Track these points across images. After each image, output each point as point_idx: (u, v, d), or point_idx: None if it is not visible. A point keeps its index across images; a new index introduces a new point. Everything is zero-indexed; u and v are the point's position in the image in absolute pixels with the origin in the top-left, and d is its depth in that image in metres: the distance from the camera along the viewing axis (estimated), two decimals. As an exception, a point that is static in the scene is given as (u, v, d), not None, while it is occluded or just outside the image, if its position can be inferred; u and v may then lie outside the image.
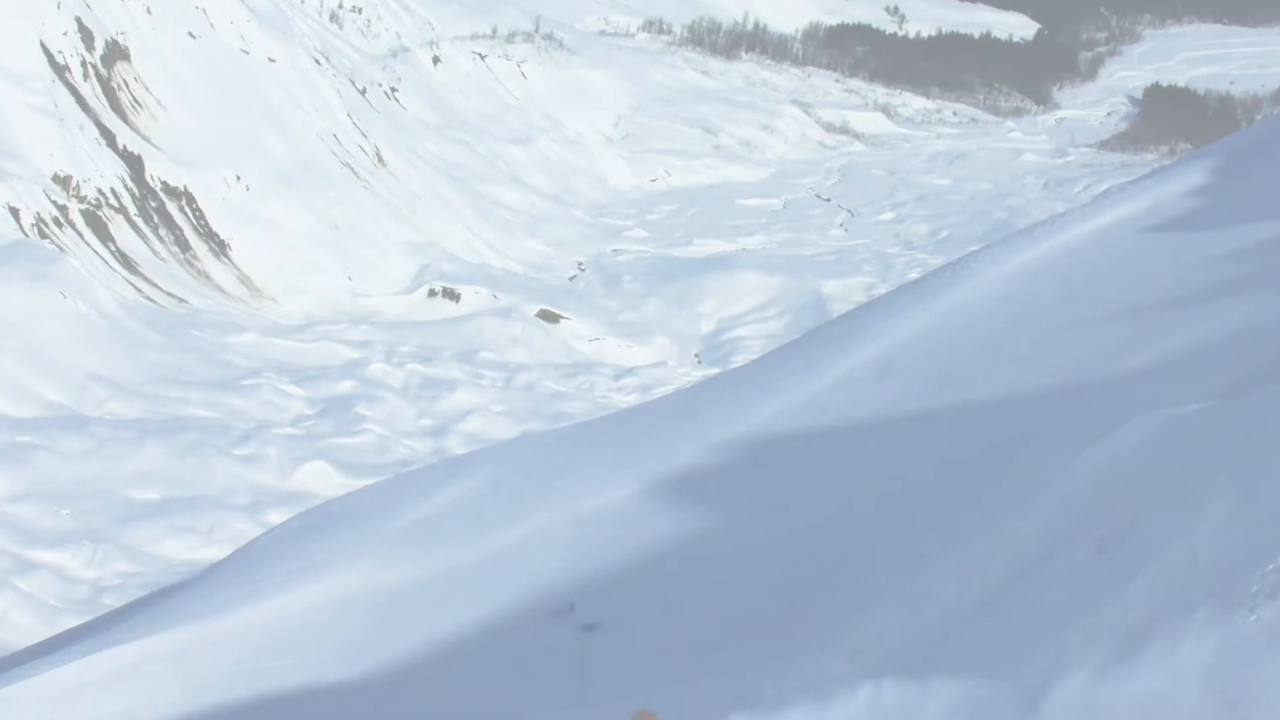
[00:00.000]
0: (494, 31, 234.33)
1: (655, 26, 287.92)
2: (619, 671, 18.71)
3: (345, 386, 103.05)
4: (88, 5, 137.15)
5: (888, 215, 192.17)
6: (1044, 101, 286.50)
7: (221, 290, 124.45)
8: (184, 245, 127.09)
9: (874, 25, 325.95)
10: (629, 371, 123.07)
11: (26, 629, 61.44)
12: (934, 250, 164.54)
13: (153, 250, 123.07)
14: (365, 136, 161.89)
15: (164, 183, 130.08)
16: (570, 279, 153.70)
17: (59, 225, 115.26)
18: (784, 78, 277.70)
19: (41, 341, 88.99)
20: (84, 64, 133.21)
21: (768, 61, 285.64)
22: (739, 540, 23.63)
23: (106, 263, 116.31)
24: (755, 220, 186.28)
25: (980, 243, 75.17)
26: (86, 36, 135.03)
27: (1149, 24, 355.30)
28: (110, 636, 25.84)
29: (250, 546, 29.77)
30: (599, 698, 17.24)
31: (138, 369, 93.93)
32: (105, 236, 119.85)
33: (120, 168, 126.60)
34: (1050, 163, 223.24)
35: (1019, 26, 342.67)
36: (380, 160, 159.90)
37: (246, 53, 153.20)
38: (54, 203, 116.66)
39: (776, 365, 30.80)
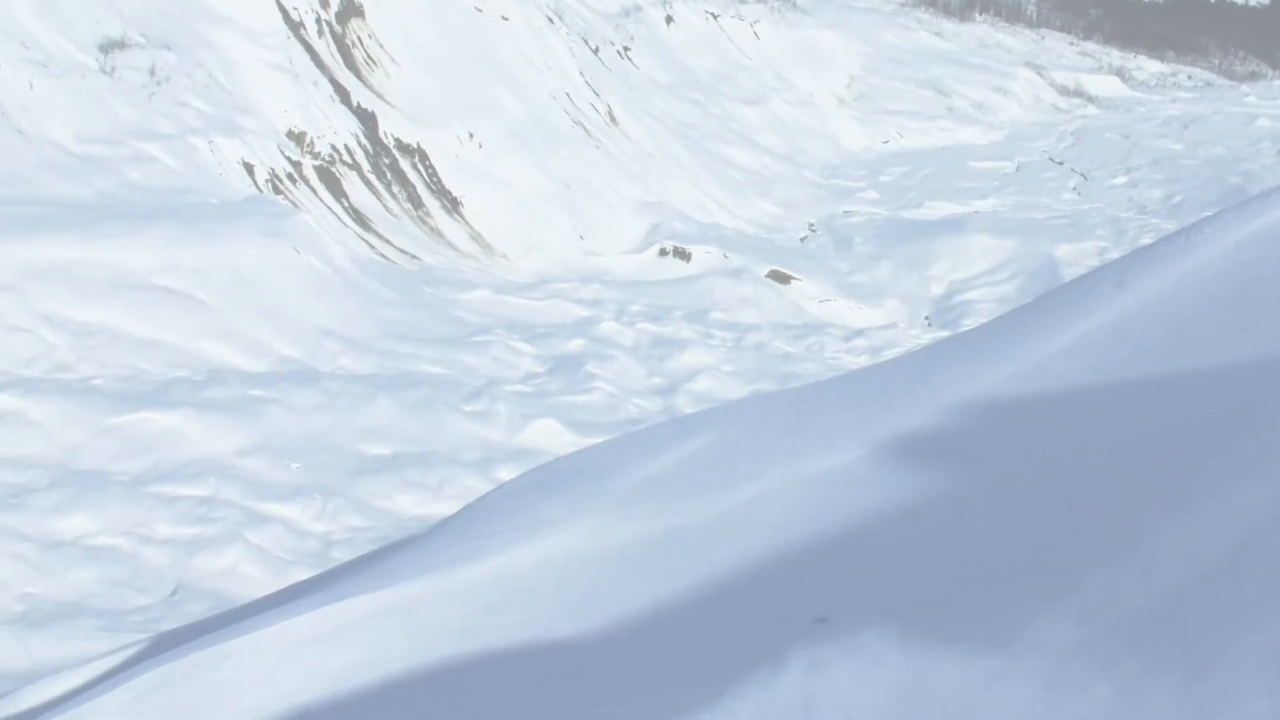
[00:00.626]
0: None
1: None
2: (846, 630, 17.80)
3: (575, 344, 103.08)
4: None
5: (1121, 179, 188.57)
6: None
7: (453, 247, 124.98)
8: (416, 202, 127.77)
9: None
10: (859, 333, 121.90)
11: (257, 581, 62.34)
12: (1167, 215, 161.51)
13: (385, 207, 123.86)
14: (597, 95, 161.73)
15: (397, 140, 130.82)
16: (801, 240, 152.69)
17: (293, 181, 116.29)
18: (1017, 40, 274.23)
19: (275, 296, 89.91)
20: (319, 21, 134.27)
21: (1001, 24, 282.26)
22: (968, 503, 22.71)
23: (340, 219, 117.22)
24: (987, 183, 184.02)
25: (1214, 208, 72.73)
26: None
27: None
28: (339, 590, 25.88)
29: (479, 502, 29.40)
30: (828, 659, 16.41)
31: (370, 324, 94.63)
32: (339, 193, 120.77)
33: (354, 124, 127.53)
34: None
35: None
36: (612, 119, 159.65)
37: (480, 10, 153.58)
38: (288, 158, 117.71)
39: (1008, 329, 29.54)
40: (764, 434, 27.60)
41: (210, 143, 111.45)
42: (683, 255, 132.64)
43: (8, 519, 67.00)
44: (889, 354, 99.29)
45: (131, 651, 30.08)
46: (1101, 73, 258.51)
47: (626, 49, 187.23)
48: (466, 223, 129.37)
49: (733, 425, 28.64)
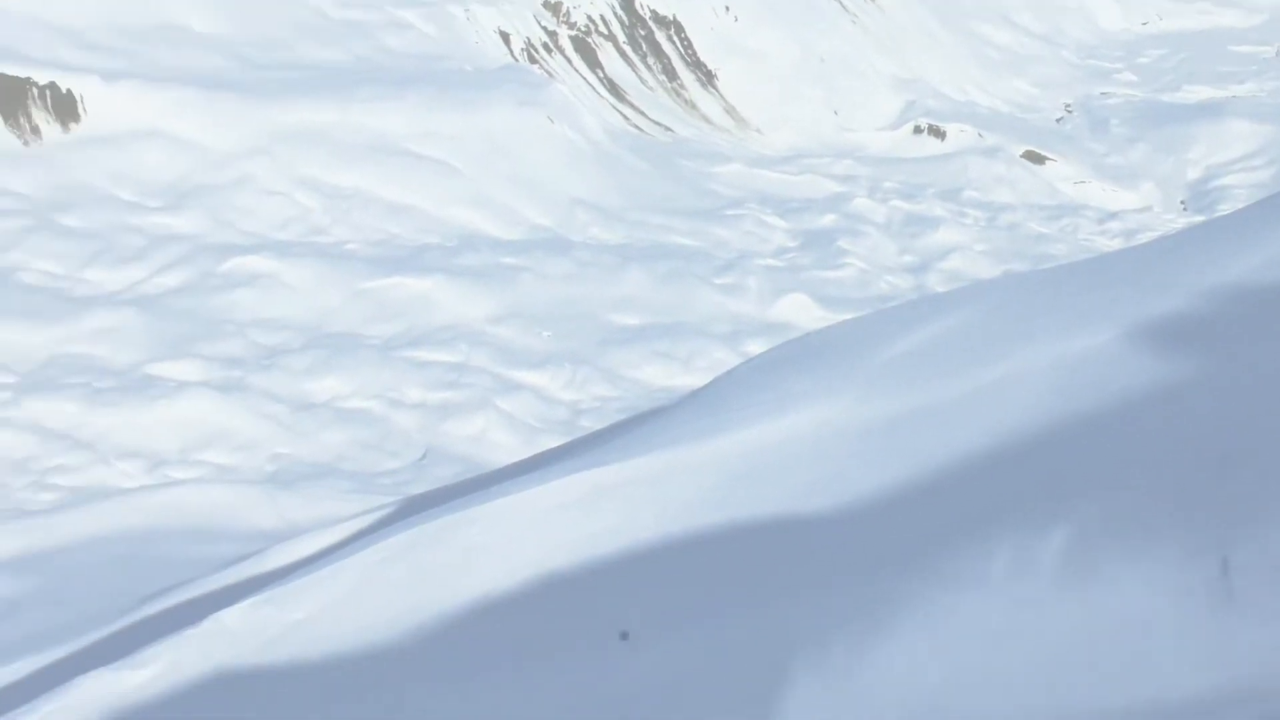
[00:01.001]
0: None
1: None
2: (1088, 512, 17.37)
3: (827, 220, 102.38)
4: None
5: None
6: None
7: (707, 120, 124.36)
8: (671, 74, 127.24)
9: None
10: (1113, 215, 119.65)
11: (506, 448, 62.97)
12: None
13: (640, 79, 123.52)
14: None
15: (653, 11, 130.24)
16: (1057, 120, 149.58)
17: (548, 51, 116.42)
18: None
19: (528, 165, 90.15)
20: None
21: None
22: (1218, 388, 21.91)
23: (594, 89, 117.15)
24: (1246, 67, 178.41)
25: None
26: None
27: None
28: (588, 458, 25.83)
29: (728, 375, 29.16)
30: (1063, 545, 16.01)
31: (622, 195, 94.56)
32: (593, 63, 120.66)
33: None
34: None
35: None
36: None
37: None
38: (544, 28, 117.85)
39: (1264, 215, 28.31)
40: (1015, 314, 26.93)
41: (467, 10, 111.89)
42: (937, 133, 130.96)
43: (261, 380, 68.25)
44: (1143, 238, 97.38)
45: (381, 514, 30.28)
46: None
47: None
48: (720, 95, 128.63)
49: (984, 305, 28.00)
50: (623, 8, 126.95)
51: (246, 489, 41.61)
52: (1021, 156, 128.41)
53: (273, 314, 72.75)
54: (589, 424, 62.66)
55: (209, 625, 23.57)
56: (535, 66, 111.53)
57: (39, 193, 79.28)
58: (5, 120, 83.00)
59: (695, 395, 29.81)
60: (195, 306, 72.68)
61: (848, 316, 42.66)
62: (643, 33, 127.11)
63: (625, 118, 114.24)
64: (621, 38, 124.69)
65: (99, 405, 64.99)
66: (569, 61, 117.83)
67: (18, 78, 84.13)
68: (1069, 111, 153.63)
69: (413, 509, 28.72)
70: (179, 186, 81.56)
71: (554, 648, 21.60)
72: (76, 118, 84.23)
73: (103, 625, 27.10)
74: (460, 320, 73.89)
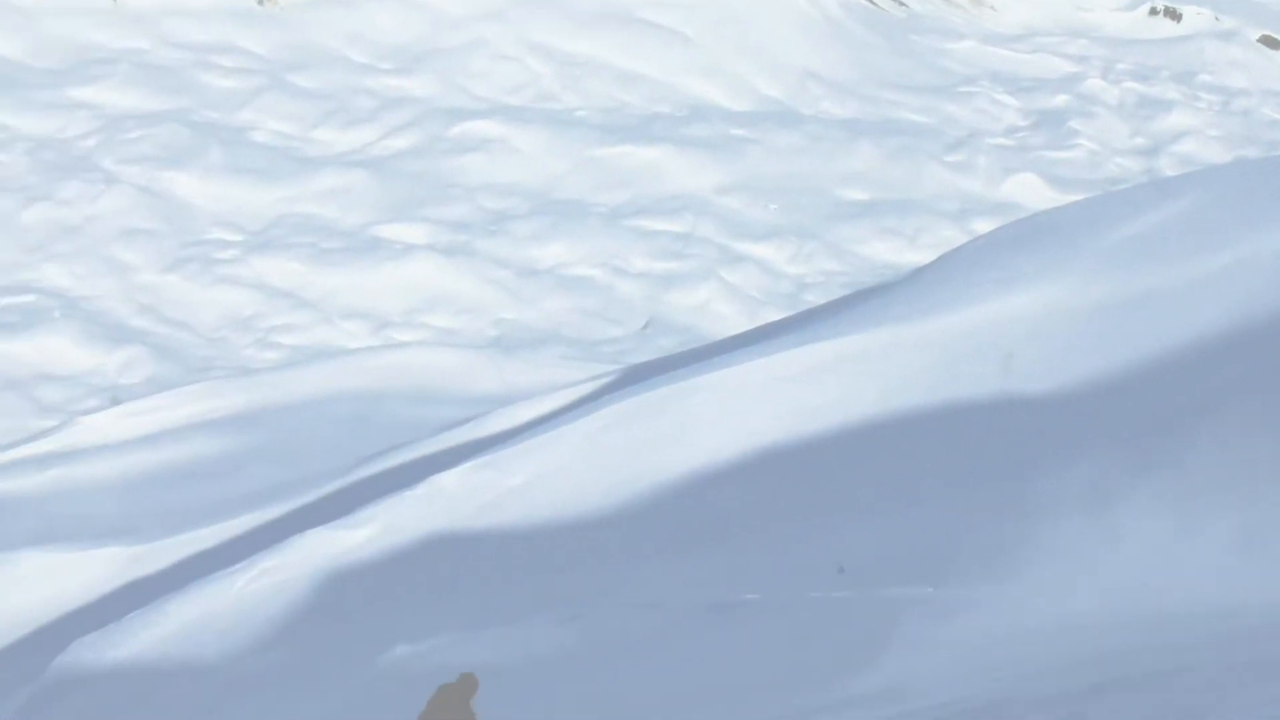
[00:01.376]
0: None
1: None
2: None
3: (1059, 100, 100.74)
4: None
5: None
6: None
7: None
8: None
9: None
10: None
11: (728, 319, 62.94)
12: None
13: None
14: None
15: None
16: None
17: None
18: None
19: (760, 36, 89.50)
20: None
21: None
22: None
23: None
24: None
25: None
26: None
27: None
28: (811, 332, 26.07)
29: (955, 253, 28.97)
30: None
31: (854, 69, 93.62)
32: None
33: None
34: None
35: None
36: None
37: None
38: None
39: None
40: (1246, 201, 26.28)
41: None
42: (1173, 15, 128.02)
43: (487, 245, 68.72)
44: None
45: (601, 382, 30.35)
46: None
47: None
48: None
49: (1215, 190, 27.37)
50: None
51: (469, 353, 41.96)
52: (1258, 41, 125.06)
53: (501, 179, 73.13)
54: (813, 298, 62.47)
55: (427, 487, 23.81)
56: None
57: (273, 53, 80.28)
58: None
59: (920, 272, 29.53)
60: (424, 170, 73.26)
61: (1077, 198, 41.95)
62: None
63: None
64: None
65: (325, 265, 65.96)
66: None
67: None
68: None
69: (633, 378, 28.77)
70: (412, 49, 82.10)
71: (771, 519, 21.56)
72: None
73: (322, 484, 27.46)
74: (687, 190, 73.78)
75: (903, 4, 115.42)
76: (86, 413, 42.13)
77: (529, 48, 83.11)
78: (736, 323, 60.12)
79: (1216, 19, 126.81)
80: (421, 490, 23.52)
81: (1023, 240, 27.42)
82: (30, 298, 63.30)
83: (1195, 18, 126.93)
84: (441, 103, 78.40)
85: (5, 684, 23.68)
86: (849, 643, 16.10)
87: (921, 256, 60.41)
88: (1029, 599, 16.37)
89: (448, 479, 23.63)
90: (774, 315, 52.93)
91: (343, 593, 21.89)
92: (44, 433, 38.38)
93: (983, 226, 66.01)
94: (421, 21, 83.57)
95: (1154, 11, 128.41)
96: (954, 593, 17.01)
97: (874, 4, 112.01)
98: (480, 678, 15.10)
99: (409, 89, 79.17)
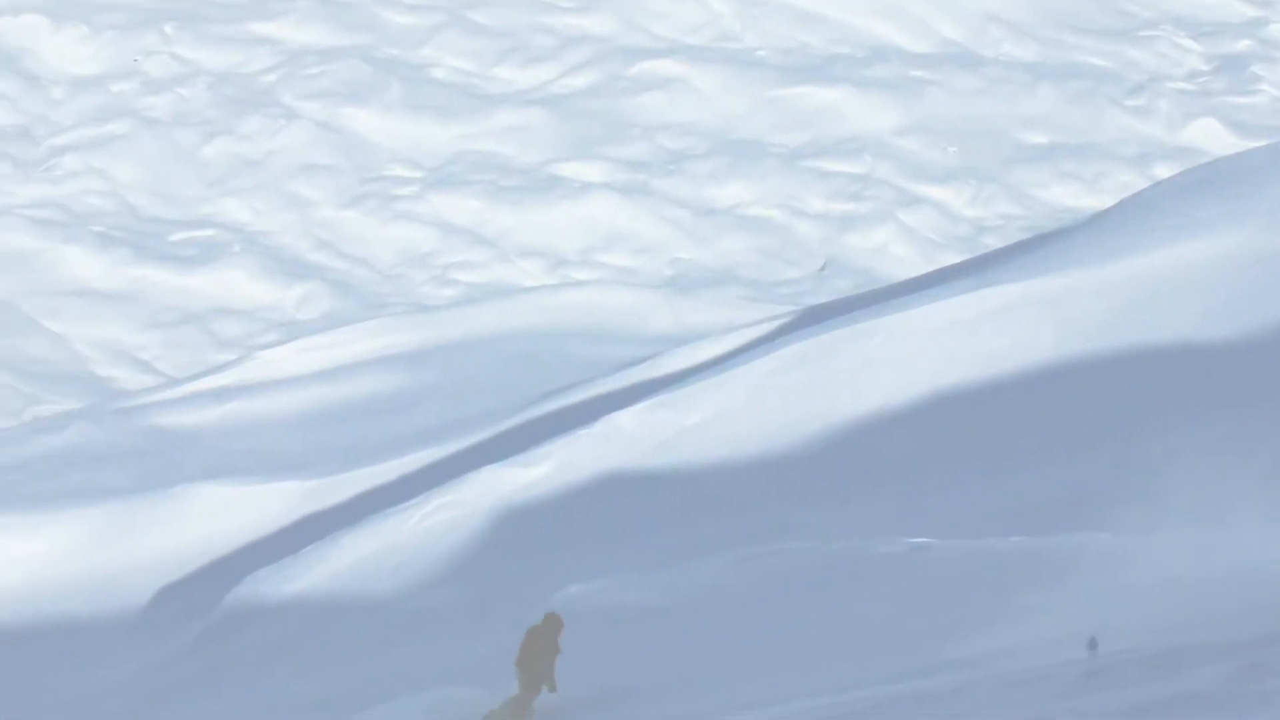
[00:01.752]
0: None
1: None
2: None
3: (1242, 45, 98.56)
4: None
5: None
6: None
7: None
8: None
9: None
10: None
11: (906, 262, 62.73)
12: None
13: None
14: None
15: None
16: None
17: None
18: None
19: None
20: None
21: None
22: None
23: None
24: None
25: None
26: None
27: None
28: (988, 276, 26.25)
29: (1135, 198, 28.62)
30: None
31: (1035, 11, 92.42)
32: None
33: None
34: None
35: None
36: None
37: None
38: None
39: None
40: None
41: None
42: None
43: (665, 184, 68.79)
44: None
45: (778, 323, 30.26)
46: None
47: None
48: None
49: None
50: None
51: (646, 292, 42.06)
52: None
53: (679, 119, 73.06)
54: (991, 241, 61.94)
55: (603, 426, 23.87)
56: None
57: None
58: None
59: (1099, 217, 29.27)
60: (603, 108, 73.33)
61: (1259, 144, 41.22)
62: None
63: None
64: None
65: (503, 203, 66.27)
66: None
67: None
68: None
69: (810, 319, 28.68)
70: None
71: (945, 462, 21.41)
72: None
73: (497, 421, 27.60)
74: (866, 131, 73.41)
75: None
76: (264, 347, 42.71)
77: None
78: (914, 265, 59.82)
79: None
80: (597, 429, 23.58)
81: (1203, 186, 27.23)
82: (210, 232, 64.16)
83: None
84: (621, 41, 78.34)
85: (182, 616, 24.04)
86: (1022, 589, 16.03)
87: (1100, 201, 59.81)
88: (1201, 547, 16.25)
89: (623, 418, 23.69)
90: (951, 258, 52.81)
91: (516, 530, 21.98)
92: (222, 367, 38.95)
93: (1163, 172, 65.13)
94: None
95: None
96: (1128, 539, 16.96)
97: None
98: (653, 617, 15.24)
99: (588, 27, 79.13)
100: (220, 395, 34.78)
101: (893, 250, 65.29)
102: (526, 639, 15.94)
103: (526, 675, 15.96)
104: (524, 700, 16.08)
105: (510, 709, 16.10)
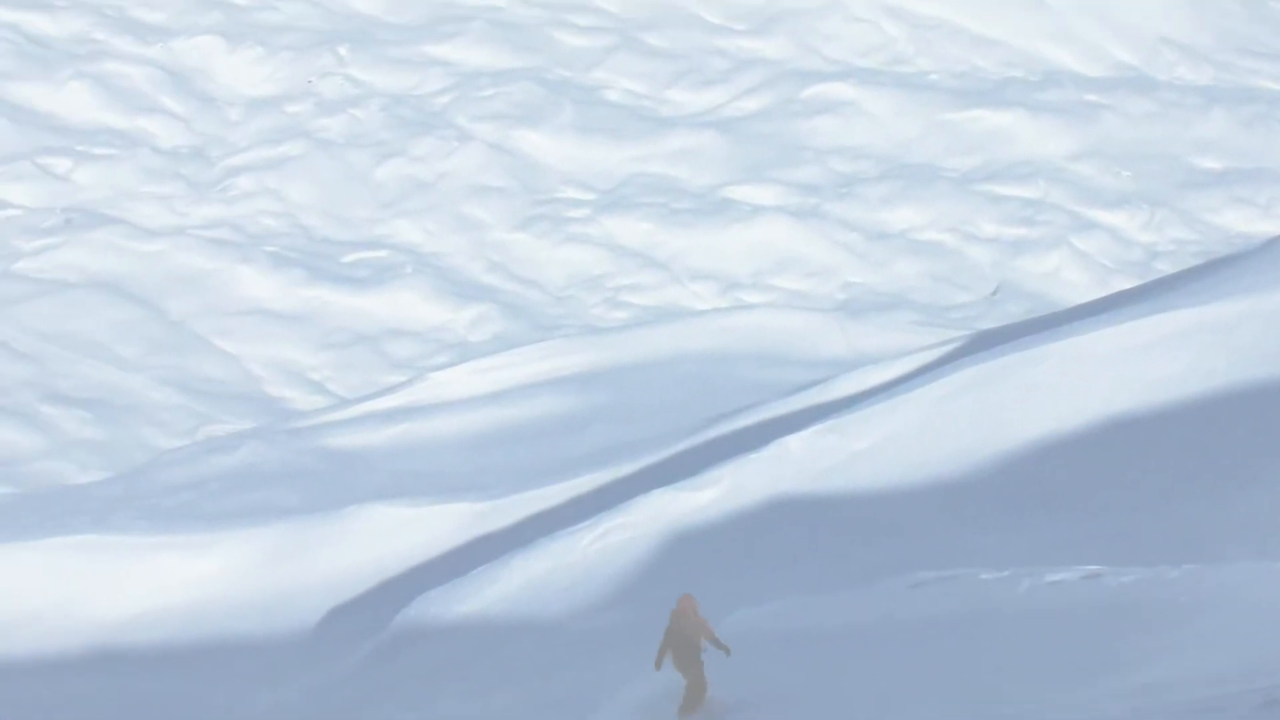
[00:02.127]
0: None
1: None
2: None
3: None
4: None
5: None
6: None
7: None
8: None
9: None
10: None
11: (1078, 287, 62.49)
12: None
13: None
14: None
15: None
16: None
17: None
18: None
19: (1115, 1, 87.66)
20: None
21: None
22: None
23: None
24: None
25: None
26: None
27: None
28: (1160, 302, 25.87)
29: None
30: None
31: (1210, 35, 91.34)
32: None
33: None
34: None
35: None
36: None
37: None
38: None
39: None
40: None
41: None
42: None
43: (837, 208, 68.80)
44: None
45: (949, 347, 30.09)
46: None
47: None
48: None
49: None
50: None
51: (817, 316, 42.01)
52: None
53: (851, 142, 73.02)
54: (1163, 267, 61.68)
55: (774, 449, 23.84)
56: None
57: (626, 11, 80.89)
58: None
59: (1273, 243, 28.96)
60: (775, 131, 73.43)
61: None
62: None
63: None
64: None
65: (674, 225, 66.47)
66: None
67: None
68: None
69: (981, 344, 28.50)
70: (766, 10, 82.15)
71: (1116, 489, 21.15)
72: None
73: (668, 444, 27.62)
74: (1038, 156, 73.01)
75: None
76: (436, 369, 43.02)
77: (882, 10, 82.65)
78: (1086, 290, 59.74)
79: None
80: (768, 452, 23.57)
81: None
82: (383, 253, 64.80)
83: None
84: (794, 64, 78.41)
85: (352, 635, 24.24)
86: (1195, 617, 15.82)
87: (1274, 227, 59.65)
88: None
89: (794, 441, 23.66)
90: (1123, 284, 52.45)
91: (687, 553, 22.01)
92: (393, 388, 39.32)
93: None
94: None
95: None
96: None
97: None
98: (824, 641, 15.25)
99: (761, 50, 79.26)
100: (391, 416, 35.08)
101: (1065, 275, 65.00)
102: (670, 626, 16.14)
103: (681, 658, 16.14)
104: (696, 689, 16.22)
105: (690, 697, 16.25)
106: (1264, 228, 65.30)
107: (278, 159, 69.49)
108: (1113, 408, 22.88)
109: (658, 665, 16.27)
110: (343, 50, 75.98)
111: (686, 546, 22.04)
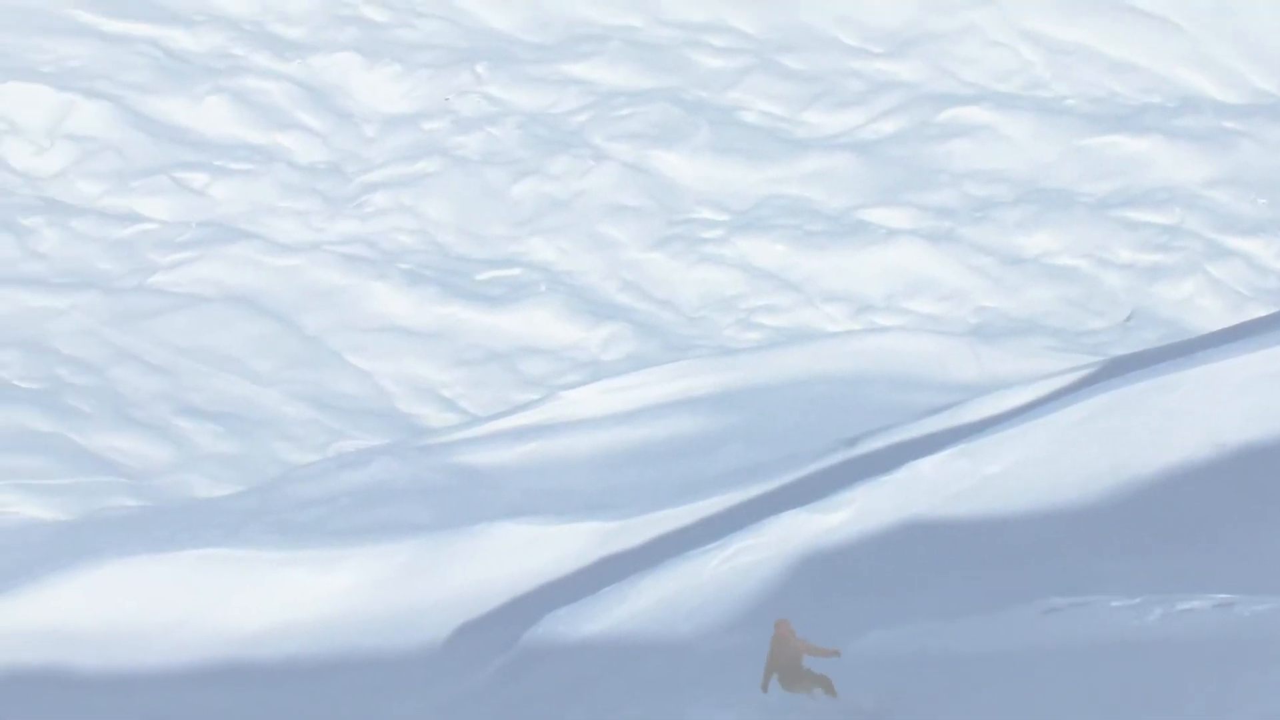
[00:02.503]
0: None
1: None
2: None
3: None
4: None
5: None
6: None
7: None
8: None
9: None
10: None
11: (1213, 314, 62.20)
12: None
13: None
14: None
15: None
16: None
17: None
18: None
19: (1255, 27, 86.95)
20: None
21: None
22: None
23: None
24: None
25: None
26: None
27: None
28: None
29: None
30: None
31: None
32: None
33: None
34: None
35: None
36: None
37: None
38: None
39: None
40: None
41: None
42: None
43: (971, 231, 68.56)
44: None
45: (1082, 373, 29.90)
46: None
47: None
48: None
49: None
50: None
51: (950, 340, 41.86)
52: None
53: (987, 166, 72.76)
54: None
55: (905, 473, 23.78)
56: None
57: (763, 33, 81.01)
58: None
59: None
60: (910, 154, 73.28)
61: None
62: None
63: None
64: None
65: (808, 248, 66.45)
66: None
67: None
68: None
69: (1114, 370, 28.29)
70: (903, 33, 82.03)
71: (1248, 519, 20.95)
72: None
73: (799, 466, 27.60)
74: (1176, 182, 72.46)
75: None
76: (568, 388, 43.20)
77: (1020, 34, 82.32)
78: (1221, 318, 59.36)
79: None
80: (899, 475, 23.51)
81: None
82: (517, 271, 65.12)
83: None
84: (930, 87, 78.26)
85: (479, 652, 24.36)
86: None
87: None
88: None
89: (925, 465, 23.59)
90: (1259, 311, 52.08)
91: (817, 575, 21.97)
92: (525, 406, 39.52)
93: None
94: (912, 5, 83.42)
95: None
96: None
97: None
98: (955, 665, 15.16)
99: (898, 73, 79.17)
100: (523, 434, 35.28)
101: (1200, 302, 64.56)
102: (772, 648, 16.25)
103: (788, 679, 16.26)
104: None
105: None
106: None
107: (414, 176, 70.09)
108: (1246, 436, 22.66)
109: (764, 688, 16.47)
110: (480, 68, 76.54)
111: (816, 568, 22.01)
